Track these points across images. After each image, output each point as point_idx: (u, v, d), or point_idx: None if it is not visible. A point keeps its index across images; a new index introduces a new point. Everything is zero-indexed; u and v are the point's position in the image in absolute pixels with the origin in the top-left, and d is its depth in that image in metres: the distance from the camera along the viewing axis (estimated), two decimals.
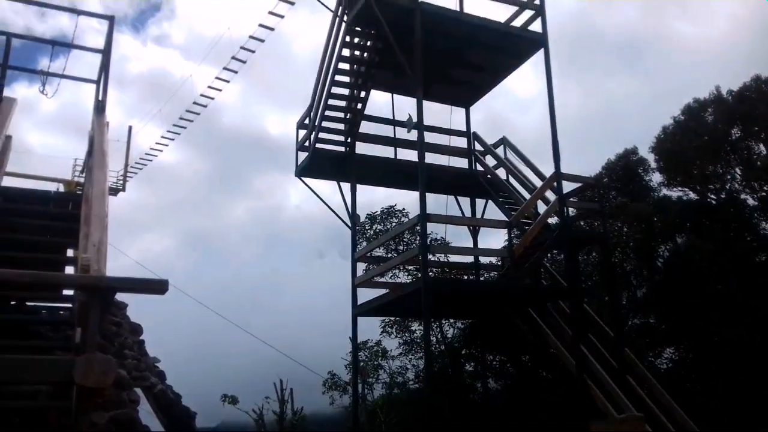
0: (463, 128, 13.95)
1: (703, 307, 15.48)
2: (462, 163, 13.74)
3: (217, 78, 21.74)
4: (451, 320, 17.61)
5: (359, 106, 12.16)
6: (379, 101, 15.77)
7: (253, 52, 19.17)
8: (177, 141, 27.23)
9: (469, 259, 14.18)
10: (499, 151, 13.40)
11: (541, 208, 11.51)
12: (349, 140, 12.46)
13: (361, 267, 12.53)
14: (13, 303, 6.22)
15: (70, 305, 6.25)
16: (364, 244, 15.82)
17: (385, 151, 12.95)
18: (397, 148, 12.90)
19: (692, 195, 19.17)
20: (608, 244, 13.35)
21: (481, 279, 13.94)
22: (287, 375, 18.05)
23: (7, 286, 5.41)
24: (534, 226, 10.86)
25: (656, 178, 19.65)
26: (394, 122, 13.07)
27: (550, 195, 11.37)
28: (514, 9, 11.97)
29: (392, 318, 17.75)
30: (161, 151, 27.73)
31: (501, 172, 13.26)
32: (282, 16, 16.44)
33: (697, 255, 16.24)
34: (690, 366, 16.36)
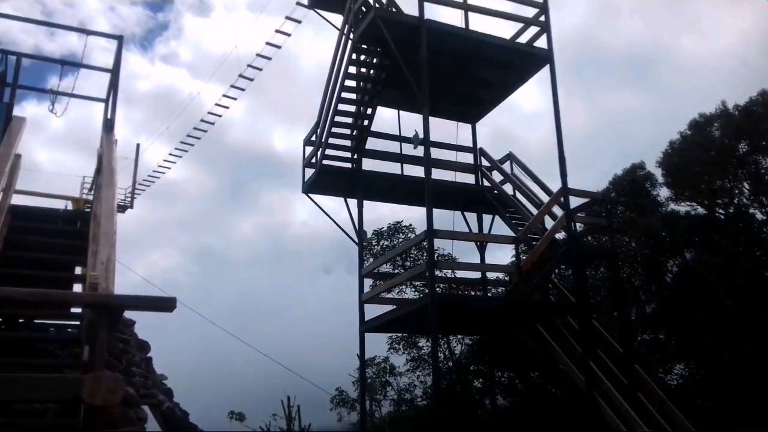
0: (470, 144, 14.01)
1: (713, 323, 15.35)
2: (469, 178, 13.79)
3: (224, 95, 21.99)
4: (459, 336, 17.53)
5: (366, 122, 12.21)
6: (385, 117, 15.84)
7: (261, 69, 19.42)
8: (184, 158, 27.44)
9: (477, 274, 14.14)
10: (506, 166, 13.42)
11: (549, 223, 11.48)
12: (355, 156, 12.51)
13: (368, 283, 12.50)
14: (21, 321, 6.24)
15: (77, 322, 6.26)
16: (371, 260, 15.81)
17: (392, 167, 13.01)
18: (404, 164, 12.94)
19: (700, 210, 19.05)
20: (616, 260, 13.30)
21: (489, 295, 13.89)
22: (294, 391, 17.94)
23: (18, 305, 5.43)
24: (541, 242, 10.82)
25: (664, 192, 19.56)
26: (400, 138, 13.13)
27: (558, 210, 11.36)
28: (519, 25, 12.06)
29: (399, 334, 17.69)
30: (169, 168, 28.02)
31: (508, 188, 13.25)
32: (289, 34, 16.64)
33: (705, 270, 16.13)
34: (701, 382, 16.18)
